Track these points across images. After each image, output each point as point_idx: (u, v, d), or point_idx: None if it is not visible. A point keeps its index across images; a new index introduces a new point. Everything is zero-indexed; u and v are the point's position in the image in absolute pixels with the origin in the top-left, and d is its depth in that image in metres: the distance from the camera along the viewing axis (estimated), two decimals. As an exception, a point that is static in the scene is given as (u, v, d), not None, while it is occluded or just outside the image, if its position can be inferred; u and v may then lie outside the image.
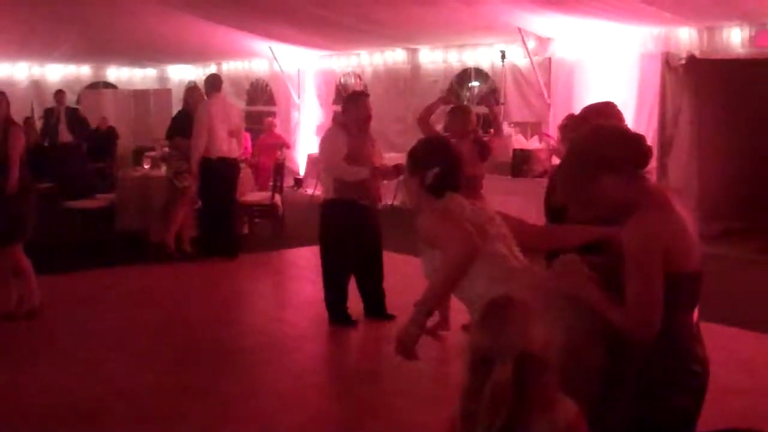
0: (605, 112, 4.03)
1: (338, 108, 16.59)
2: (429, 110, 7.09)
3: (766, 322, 7.13)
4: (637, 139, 2.87)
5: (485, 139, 7.27)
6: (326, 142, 7.00)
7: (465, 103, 13.97)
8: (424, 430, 4.88)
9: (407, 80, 14.86)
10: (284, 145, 15.74)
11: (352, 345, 6.96)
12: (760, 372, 6.02)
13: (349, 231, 6.88)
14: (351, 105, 7.01)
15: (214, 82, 10.12)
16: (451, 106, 7.57)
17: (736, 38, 10.11)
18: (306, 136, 17.30)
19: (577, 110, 11.52)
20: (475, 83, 14.69)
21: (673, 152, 11.12)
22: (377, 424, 5.03)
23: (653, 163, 10.85)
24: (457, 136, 6.68)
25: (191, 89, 10.81)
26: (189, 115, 9.82)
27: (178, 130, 9.91)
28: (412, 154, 3.32)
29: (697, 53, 10.57)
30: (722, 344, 6.20)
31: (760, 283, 8.98)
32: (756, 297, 8.26)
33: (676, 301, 2.68)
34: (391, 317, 7.10)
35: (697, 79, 10.91)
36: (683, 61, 10.77)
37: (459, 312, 6.87)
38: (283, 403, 5.34)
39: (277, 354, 6.41)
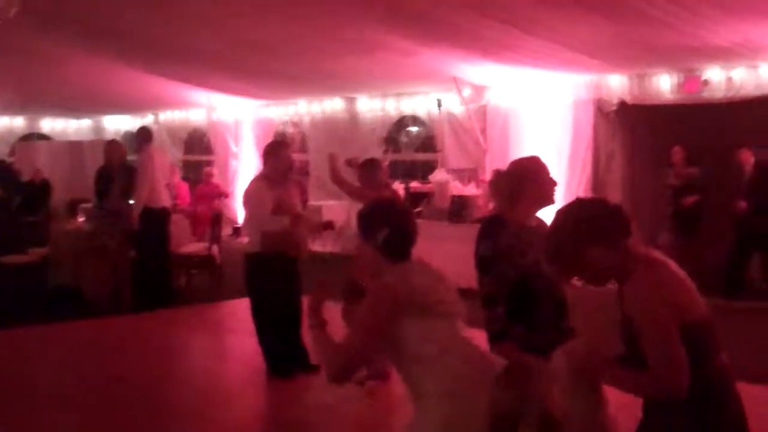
0: (531, 167, 4.07)
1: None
2: (334, 170, 7.10)
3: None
4: (619, 210, 2.93)
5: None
6: (250, 195, 6.93)
7: (403, 149, 14.11)
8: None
9: (346, 128, 14.91)
10: (222, 194, 15.64)
11: (288, 396, 6.78)
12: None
13: (275, 282, 6.80)
14: (271, 155, 6.97)
15: (146, 134, 10.05)
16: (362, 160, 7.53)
17: (665, 84, 10.40)
18: (244, 185, 17.13)
19: (512, 156, 11.77)
20: (412, 129, 14.83)
21: (606, 195, 11.30)
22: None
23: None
24: (369, 188, 6.73)
25: (113, 144, 10.67)
26: (111, 174, 9.73)
27: (103, 192, 9.82)
28: (361, 218, 3.26)
29: (627, 99, 10.83)
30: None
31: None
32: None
33: (700, 351, 2.71)
34: (316, 368, 7.03)
35: (629, 124, 11.17)
36: (615, 107, 11.03)
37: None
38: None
39: (214, 409, 6.28)
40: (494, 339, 3.76)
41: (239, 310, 10.09)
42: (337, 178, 7.02)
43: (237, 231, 16.67)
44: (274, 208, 6.69)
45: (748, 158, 10.08)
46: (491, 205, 10.96)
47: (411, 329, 2.99)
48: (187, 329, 9.25)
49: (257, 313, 6.94)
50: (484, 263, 3.86)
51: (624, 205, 9.87)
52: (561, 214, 2.95)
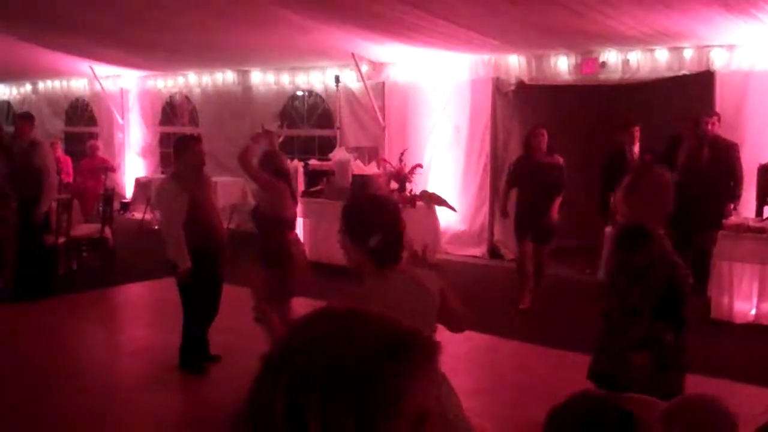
0: (666, 177, 4.24)
1: (164, 129, 16.17)
2: (248, 153, 6.84)
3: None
4: None
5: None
6: (163, 199, 6.66)
7: (301, 126, 13.88)
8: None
9: (239, 102, 14.54)
10: (109, 168, 15.05)
11: (194, 395, 6.55)
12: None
13: (201, 278, 6.58)
14: (183, 152, 6.65)
15: (31, 120, 9.60)
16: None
17: (563, 65, 10.52)
18: (132, 158, 16.66)
19: (411, 134, 11.75)
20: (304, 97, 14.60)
21: (504, 174, 11.41)
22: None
23: (486, 187, 11.18)
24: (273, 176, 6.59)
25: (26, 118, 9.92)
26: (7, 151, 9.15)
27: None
28: (351, 218, 3.09)
29: (526, 79, 10.91)
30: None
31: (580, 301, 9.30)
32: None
33: None
34: (216, 358, 6.92)
35: (527, 104, 11.26)
36: (513, 87, 11.10)
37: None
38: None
39: (113, 410, 6.02)
40: (632, 348, 3.79)
41: (135, 297, 9.80)
42: (247, 161, 6.77)
43: (125, 206, 16.14)
44: (189, 209, 6.45)
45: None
46: (393, 184, 10.93)
47: None
48: (79, 319, 8.83)
49: (188, 308, 6.72)
50: (636, 274, 3.84)
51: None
52: None
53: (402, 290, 3.01)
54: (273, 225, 6.53)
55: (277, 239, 6.52)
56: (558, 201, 8.71)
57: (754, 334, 7.70)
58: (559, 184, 8.64)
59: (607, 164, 9.85)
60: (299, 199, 8.96)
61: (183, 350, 6.77)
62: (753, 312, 7.92)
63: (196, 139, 6.83)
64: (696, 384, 6.40)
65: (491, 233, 11.54)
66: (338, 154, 11.63)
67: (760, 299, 7.87)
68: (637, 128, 9.69)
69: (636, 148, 9.48)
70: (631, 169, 8.57)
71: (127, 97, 16.60)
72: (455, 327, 3.22)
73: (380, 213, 3.09)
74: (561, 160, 8.73)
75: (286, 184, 6.66)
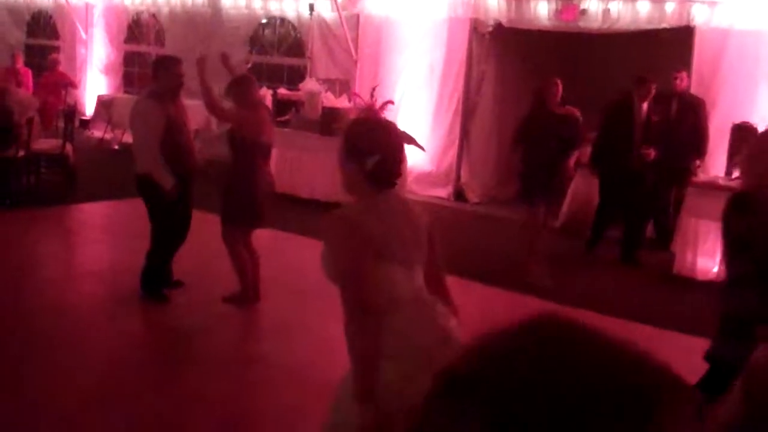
0: None
1: (130, 47, 15.75)
2: (210, 95, 6.64)
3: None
4: None
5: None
6: (140, 115, 6.43)
7: (270, 54, 13.60)
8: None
9: (207, 24, 14.16)
10: (70, 84, 14.65)
11: (157, 319, 6.44)
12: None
13: (170, 204, 6.43)
14: (162, 72, 6.46)
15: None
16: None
17: (542, 10, 10.38)
18: (93, 74, 16.23)
19: (383, 69, 11.57)
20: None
21: (476, 117, 11.36)
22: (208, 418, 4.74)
23: (457, 128, 11.11)
24: (245, 107, 6.43)
25: None
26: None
27: None
28: (351, 138, 2.97)
29: (504, 21, 10.76)
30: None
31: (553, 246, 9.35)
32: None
33: None
34: (179, 284, 6.83)
35: (503, 47, 11.14)
36: (490, 29, 10.95)
37: (269, 280, 6.72)
38: (95, 398, 4.90)
39: (73, 333, 5.89)
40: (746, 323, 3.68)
41: (95, 215, 9.62)
42: (205, 89, 6.59)
43: (84, 123, 15.75)
44: (165, 130, 6.27)
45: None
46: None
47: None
48: (37, 234, 8.64)
49: (158, 233, 6.57)
50: (739, 243, 3.74)
51: (492, 131, 10.02)
52: None
53: (395, 216, 2.93)
54: (248, 150, 6.40)
55: (249, 165, 6.40)
56: (574, 156, 8.06)
57: (716, 291, 7.77)
58: (574, 138, 7.84)
59: (612, 116, 8.95)
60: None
61: (146, 275, 6.62)
62: (715, 269, 7.99)
63: (177, 61, 6.60)
64: (655, 336, 6.52)
65: (458, 175, 11.49)
66: (308, 84, 11.43)
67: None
68: (654, 86, 8.73)
69: (645, 106, 8.89)
70: (639, 126, 8.50)
71: (91, 11, 16.08)
72: (435, 271, 3.14)
73: (381, 134, 2.99)
74: (577, 111, 7.91)
75: (265, 111, 6.52)
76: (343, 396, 2.89)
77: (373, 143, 2.92)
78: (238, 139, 6.41)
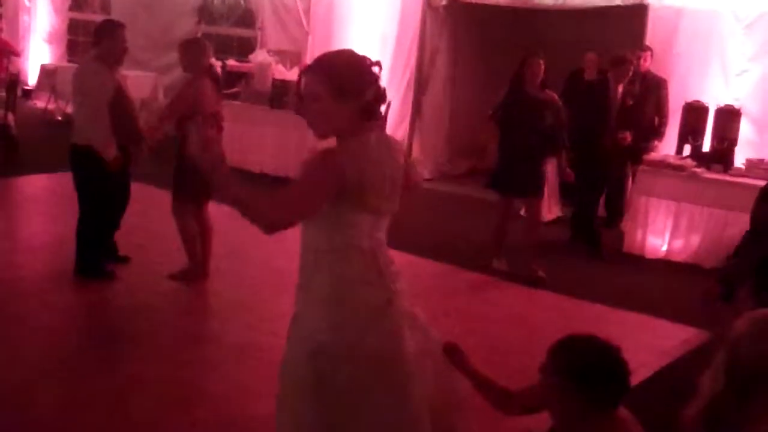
0: None
1: (74, 15, 15.32)
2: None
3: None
4: None
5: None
6: (89, 78, 6.12)
7: (220, 24, 13.33)
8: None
9: (155, -6, 13.82)
10: (12, 52, 14.17)
11: (97, 297, 6.16)
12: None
13: (108, 175, 6.18)
14: (106, 36, 6.19)
15: None
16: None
17: (497, -15, 10.26)
18: (37, 43, 15.77)
19: (336, 41, 11.38)
20: None
21: (428, 91, 11.25)
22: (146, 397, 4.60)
23: (408, 102, 10.99)
24: (194, 72, 6.24)
25: None
26: None
27: None
28: (340, 75, 2.76)
29: (459, -5, 10.65)
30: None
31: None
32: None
33: None
34: (125, 259, 6.64)
35: (457, 22, 11.04)
36: (444, 2, 10.82)
37: (217, 257, 6.58)
38: (36, 376, 4.73)
39: (7, 307, 5.68)
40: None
41: (38, 188, 9.34)
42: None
43: (27, 93, 15.31)
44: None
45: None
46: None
47: (331, 213, 2.74)
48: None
49: (87, 207, 6.28)
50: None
51: (445, 106, 9.84)
52: None
53: (381, 155, 2.82)
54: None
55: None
56: (562, 155, 7.45)
57: (664, 270, 7.84)
58: (557, 129, 7.17)
59: (586, 97, 8.78)
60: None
61: (82, 254, 6.34)
62: (664, 248, 8.04)
63: (121, 25, 6.34)
64: (604, 314, 6.54)
65: (409, 150, 11.36)
66: (259, 56, 11.21)
67: (673, 236, 7.99)
68: (632, 67, 8.52)
69: (620, 88, 8.74)
70: (611, 108, 8.08)
71: (35, -23, 15.63)
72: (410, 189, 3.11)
73: (366, 64, 2.84)
74: (556, 96, 7.34)
75: (210, 80, 6.31)
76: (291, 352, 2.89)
77: (366, 74, 2.81)
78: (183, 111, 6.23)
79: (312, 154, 2.81)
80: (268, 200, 2.69)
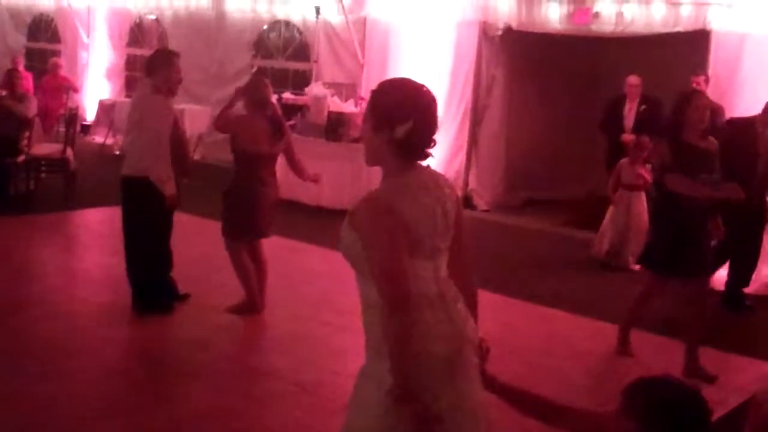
0: None
1: (132, 51, 15.54)
2: (225, 110, 6.39)
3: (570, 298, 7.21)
4: None
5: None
6: (148, 110, 6.02)
7: (275, 58, 13.40)
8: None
9: (211, 28, 13.96)
10: (72, 88, 14.45)
11: (157, 329, 6.11)
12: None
13: (157, 209, 6.10)
14: (162, 66, 6.10)
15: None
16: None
17: (554, 13, 10.17)
18: (95, 79, 16.02)
19: (391, 73, 11.33)
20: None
21: (485, 122, 11.14)
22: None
23: (465, 133, 10.87)
24: (251, 109, 6.26)
25: None
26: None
27: None
28: (378, 104, 2.66)
29: (514, 25, 10.55)
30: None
31: (559, 254, 9.15)
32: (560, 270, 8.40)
33: None
34: (186, 297, 6.52)
35: (513, 51, 10.93)
36: (500, 32, 10.73)
37: (274, 289, 6.49)
38: (94, 411, 4.67)
39: (74, 341, 5.65)
40: None
41: (95, 222, 9.40)
42: (225, 122, 6.41)
43: (85, 129, 15.54)
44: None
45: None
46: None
47: None
48: (37, 242, 8.41)
49: (135, 241, 6.19)
50: None
51: (501, 136, 9.55)
52: None
53: (428, 195, 2.64)
54: (248, 160, 6.18)
55: (249, 176, 6.18)
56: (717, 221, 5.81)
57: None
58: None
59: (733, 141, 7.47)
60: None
61: (135, 288, 6.26)
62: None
63: (176, 54, 6.31)
64: (666, 346, 6.29)
65: (466, 182, 11.26)
66: (315, 88, 11.20)
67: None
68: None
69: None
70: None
71: (94, 15, 15.89)
72: (461, 252, 2.83)
73: (412, 97, 2.65)
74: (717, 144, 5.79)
75: (265, 119, 6.27)
76: (365, 398, 2.66)
77: (405, 108, 2.60)
78: (237, 149, 6.20)
79: (357, 209, 2.61)
80: (389, 325, 2.50)
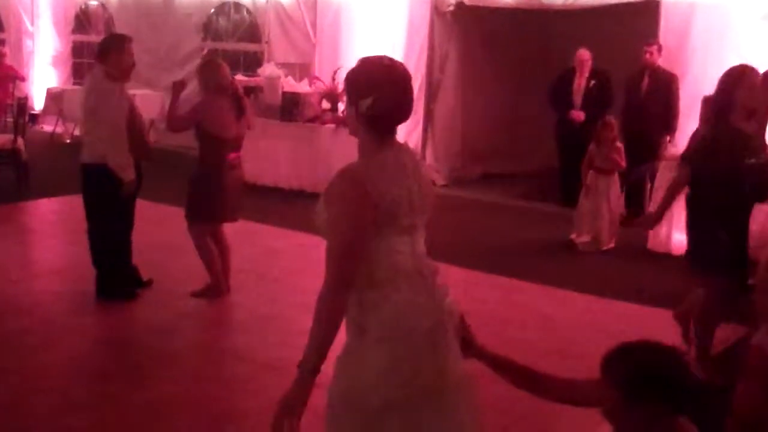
0: None
1: (78, 38, 15.28)
2: (173, 109, 6.25)
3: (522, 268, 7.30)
4: None
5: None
6: (104, 98, 5.94)
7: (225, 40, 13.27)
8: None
9: (159, 12, 13.75)
10: (18, 77, 14.21)
11: (120, 316, 6.06)
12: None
13: (123, 196, 6.05)
14: (113, 51, 6.04)
15: None
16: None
17: (505, -13, 10.18)
18: (41, 67, 15.73)
19: (344, 52, 11.28)
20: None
21: (439, 97, 11.16)
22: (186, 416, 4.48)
23: (420, 109, 10.89)
24: (212, 93, 6.15)
25: None
26: None
27: None
28: (347, 79, 2.72)
29: (466, 0, 10.56)
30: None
31: (521, 226, 9.24)
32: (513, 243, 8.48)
33: None
34: (149, 283, 6.48)
35: (466, 26, 10.96)
36: (452, 7, 10.73)
37: (237, 272, 6.46)
38: (63, 402, 4.62)
39: (33, 333, 5.58)
40: None
41: (50, 213, 9.27)
42: (173, 109, 6.30)
43: (33, 118, 15.26)
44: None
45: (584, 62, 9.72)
46: (324, 104, 10.54)
47: (370, 246, 2.59)
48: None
49: (98, 228, 6.14)
50: None
51: (456, 111, 9.54)
52: None
53: (405, 172, 2.66)
54: (213, 144, 6.13)
55: (216, 160, 6.14)
56: None
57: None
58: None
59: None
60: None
61: (99, 274, 6.23)
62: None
63: (128, 39, 6.22)
64: (633, 313, 6.40)
65: (422, 157, 11.27)
66: (268, 69, 11.10)
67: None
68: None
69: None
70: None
71: (37, 1, 15.59)
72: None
73: (378, 73, 2.67)
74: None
75: (228, 100, 6.22)
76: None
77: (368, 83, 2.64)
78: (202, 133, 6.14)
79: (330, 183, 2.63)
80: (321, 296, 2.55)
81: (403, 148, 2.75)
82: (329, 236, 2.59)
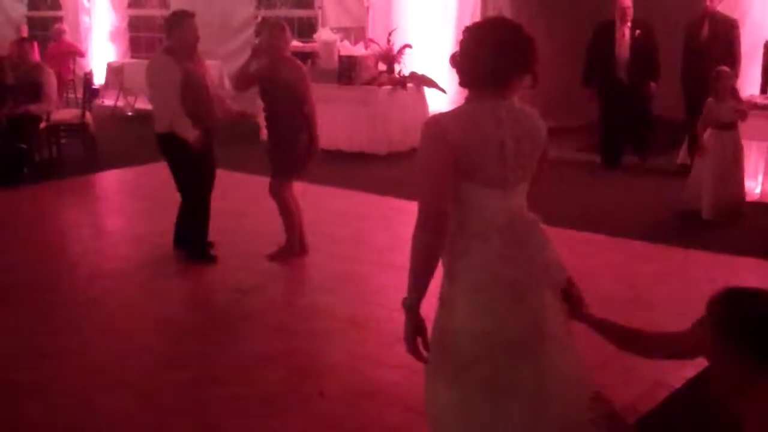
0: None
1: (134, 12, 15.51)
2: (244, 71, 6.47)
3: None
4: None
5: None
6: (157, 71, 6.25)
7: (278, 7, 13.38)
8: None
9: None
10: (77, 53, 14.51)
11: (208, 280, 6.29)
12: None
13: (195, 159, 6.29)
14: (175, 28, 6.25)
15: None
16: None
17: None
18: (99, 42, 16.00)
19: (396, 15, 11.32)
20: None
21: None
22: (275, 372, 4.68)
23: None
24: (276, 56, 6.28)
25: None
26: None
27: None
28: (465, 36, 2.80)
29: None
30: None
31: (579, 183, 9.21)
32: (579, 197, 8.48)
33: None
34: (211, 245, 6.65)
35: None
36: (505, -36, 10.70)
37: (308, 234, 6.62)
38: (156, 360, 4.84)
39: (125, 295, 5.88)
40: None
41: (119, 182, 9.55)
42: (244, 83, 6.51)
43: (94, 92, 15.53)
44: (182, 87, 6.12)
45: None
46: (381, 66, 10.62)
47: (460, 195, 2.69)
48: (66, 206, 8.61)
49: (188, 193, 6.45)
50: None
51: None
52: None
53: (501, 126, 2.71)
54: (292, 98, 6.24)
55: (295, 115, 6.27)
56: None
57: (760, 212, 7.66)
58: None
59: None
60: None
61: (194, 239, 6.50)
62: (758, 190, 7.87)
63: (190, 14, 6.39)
64: (700, 260, 6.42)
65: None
66: (323, 34, 11.21)
67: (767, 177, 7.81)
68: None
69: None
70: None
71: (92, -22, 15.85)
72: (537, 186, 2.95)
73: (482, 31, 2.80)
74: None
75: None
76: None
77: (471, 41, 2.75)
78: (282, 88, 6.22)
79: (424, 124, 2.75)
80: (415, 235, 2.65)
81: (507, 105, 2.75)
82: (416, 174, 2.74)
